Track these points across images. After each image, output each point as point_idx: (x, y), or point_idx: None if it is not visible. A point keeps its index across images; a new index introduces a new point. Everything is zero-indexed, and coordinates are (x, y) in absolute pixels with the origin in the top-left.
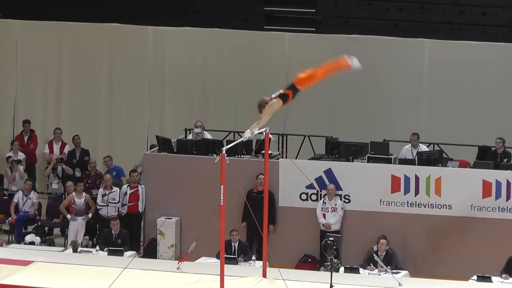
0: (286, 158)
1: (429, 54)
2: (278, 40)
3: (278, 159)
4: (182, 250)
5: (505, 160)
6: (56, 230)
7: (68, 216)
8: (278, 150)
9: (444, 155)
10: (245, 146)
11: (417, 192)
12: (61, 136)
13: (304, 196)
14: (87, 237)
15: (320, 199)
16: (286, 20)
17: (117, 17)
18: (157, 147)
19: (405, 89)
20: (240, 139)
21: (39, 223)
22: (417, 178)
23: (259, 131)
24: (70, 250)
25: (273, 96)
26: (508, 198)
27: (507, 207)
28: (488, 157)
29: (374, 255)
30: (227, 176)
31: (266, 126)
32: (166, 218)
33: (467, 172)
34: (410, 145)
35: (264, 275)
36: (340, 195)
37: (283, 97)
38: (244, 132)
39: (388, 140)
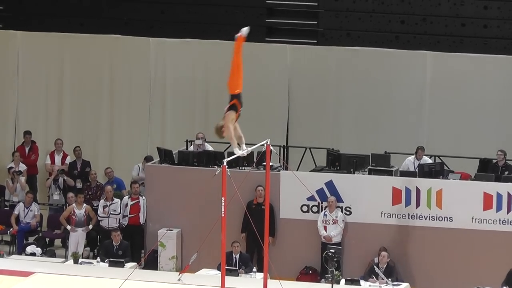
0: (287, 170)
1: (430, 66)
2: (280, 52)
3: (279, 171)
4: (183, 261)
5: (506, 172)
6: (57, 241)
7: (68, 227)
8: (279, 162)
9: (445, 168)
10: (246, 158)
11: (418, 205)
12: (62, 147)
13: (305, 208)
14: (88, 248)
15: (321, 211)
16: (288, 32)
17: (118, 28)
18: (158, 159)
19: (407, 101)
20: (236, 155)
21: (40, 234)
22: (418, 191)
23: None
24: (71, 261)
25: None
26: (509, 210)
27: (507, 219)
28: (489, 169)
29: (375, 267)
30: (228, 188)
31: (268, 137)
32: (167, 230)
33: (468, 185)
34: (413, 156)
35: (265, 287)
36: (341, 207)
37: (232, 107)
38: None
39: (389, 152)
